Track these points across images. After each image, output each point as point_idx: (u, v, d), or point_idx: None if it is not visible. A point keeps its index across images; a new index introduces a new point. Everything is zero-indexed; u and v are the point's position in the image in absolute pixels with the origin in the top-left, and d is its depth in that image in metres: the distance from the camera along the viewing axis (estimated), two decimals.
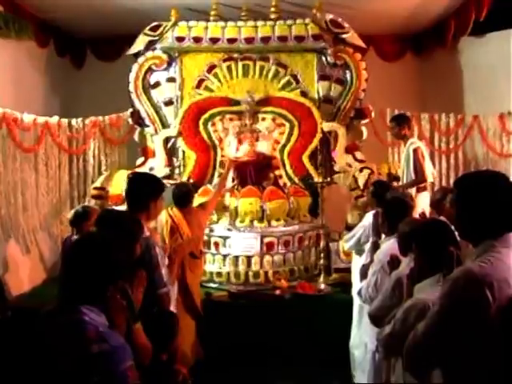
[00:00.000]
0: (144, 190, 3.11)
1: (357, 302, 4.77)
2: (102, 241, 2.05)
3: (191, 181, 6.30)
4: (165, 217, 4.70)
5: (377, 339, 2.87)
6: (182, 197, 4.91)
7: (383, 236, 3.86)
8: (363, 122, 6.74)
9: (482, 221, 1.97)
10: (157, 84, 6.75)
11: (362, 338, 4.29)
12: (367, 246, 4.66)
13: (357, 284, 4.70)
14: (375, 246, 3.90)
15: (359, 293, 3.68)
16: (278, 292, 5.48)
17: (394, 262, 3.21)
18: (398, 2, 6.91)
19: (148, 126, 6.73)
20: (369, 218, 4.72)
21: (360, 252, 4.77)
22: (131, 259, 2.60)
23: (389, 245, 3.53)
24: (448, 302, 1.89)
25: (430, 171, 5.83)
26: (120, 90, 6.68)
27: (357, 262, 4.86)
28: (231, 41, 6.57)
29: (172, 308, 3.75)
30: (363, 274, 3.81)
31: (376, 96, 6.77)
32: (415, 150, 5.76)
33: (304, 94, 6.60)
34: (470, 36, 7.19)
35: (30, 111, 5.99)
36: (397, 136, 6.13)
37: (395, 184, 5.84)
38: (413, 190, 5.57)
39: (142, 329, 2.43)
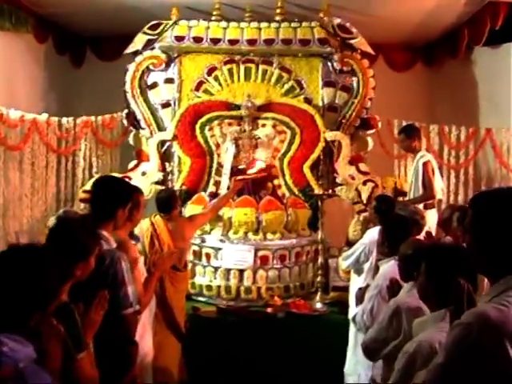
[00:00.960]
0: (110, 195, 2.78)
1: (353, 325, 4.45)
2: (29, 256, 1.71)
3: (184, 187, 5.98)
4: (146, 225, 4.38)
5: None
6: (164, 202, 4.57)
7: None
8: (369, 132, 6.37)
9: (503, 251, 1.58)
10: (154, 85, 6.41)
11: (356, 366, 3.95)
12: (367, 266, 4.35)
13: (353, 306, 4.36)
14: (378, 266, 3.54)
15: (354, 319, 3.34)
16: (270, 310, 5.12)
17: (393, 287, 2.88)
18: (410, 8, 6.63)
19: (143, 129, 6.38)
20: (370, 235, 4.40)
21: (359, 271, 4.45)
22: (83, 276, 2.27)
23: (388, 267, 3.20)
24: (455, 354, 1.50)
25: (439, 187, 5.50)
26: (120, 90, 6.38)
27: (355, 282, 4.54)
28: (233, 42, 6.24)
29: (148, 327, 3.43)
30: (359, 299, 3.46)
31: (383, 106, 6.45)
32: (425, 164, 5.44)
33: (308, 100, 6.24)
34: (485, 46, 6.85)
35: (25, 107, 5.72)
36: (407, 149, 5.80)
37: (401, 199, 5.50)
38: (420, 207, 5.23)
39: (95, 355, 2.09)
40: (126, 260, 2.61)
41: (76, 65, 8.19)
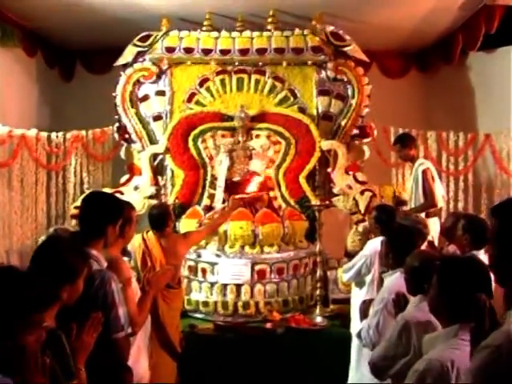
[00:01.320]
0: (99, 212, 2.63)
1: (356, 340, 4.30)
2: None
3: (178, 201, 5.85)
4: (138, 241, 4.21)
5: None
6: (157, 218, 4.41)
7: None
8: (365, 140, 6.25)
9: None
10: (145, 97, 6.30)
11: (360, 383, 3.79)
12: (368, 278, 4.21)
13: (356, 321, 4.22)
14: (382, 279, 3.39)
15: (359, 335, 3.19)
16: (269, 325, 4.96)
17: (400, 301, 2.74)
18: (404, 14, 6.53)
19: (135, 142, 6.26)
20: (371, 246, 4.26)
21: (360, 284, 4.30)
22: (70, 300, 2.12)
23: (394, 280, 3.05)
24: (484, 379, 1.36)
25: (440, 195, 5.35)
26: (111, 103, 6.27)
27: (356, 295, 4.40)
28: (224, 52, 6.15)
29: (143, 349, 3.27)
30: (364, 313, 3.31)
31: (378, 114, 6.33)
32: (425, 172, 5.31)
33: (302, 110, 6.13)
34: (480, 51, 6.76)
35: (15, 122, 5.58)
36: (404, 158, 5.68)
37: (403, 208, 5.37)
38: (421, 216, 5.10)
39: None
40: (116, 280, 2.46)
41: (66, 78, 8.06)
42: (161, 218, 4.41)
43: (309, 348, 4.85)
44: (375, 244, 4.21)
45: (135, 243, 4.21)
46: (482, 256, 3.59)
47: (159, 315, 3.83)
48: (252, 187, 5.49)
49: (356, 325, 4.21)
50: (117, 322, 2.40)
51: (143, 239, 4.28)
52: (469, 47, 6.82)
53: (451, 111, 7.41)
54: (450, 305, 2.06)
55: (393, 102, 7.39)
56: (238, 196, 5.30)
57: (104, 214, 2.63)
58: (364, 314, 3.27)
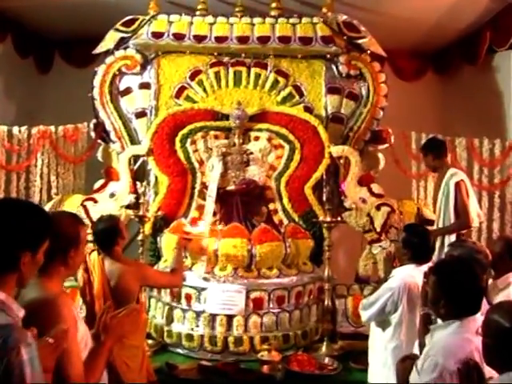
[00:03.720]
0: (8, 231, 1.69)
1: None
2: None
3: (160, 212, 5.04)
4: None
5: None
6: (104, 235, 3.49)
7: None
8: (380, 147, 5.54)
9: None
10: (127, 91, 5.61)
11: None
12: (395, 318, 3.35)
13: (375, 368, 3.39)
14: (426, 325, 2.47)
15: None
16: (266, 369, 4.06)
17: (470, 374, 1.84)
18: (424, 4, 5.89)
19: (114, 142, 5.55)
20: (398, 277, 3.39)
21: (384, 324, 3.41)
22: None
23: (453, 339, 2.14)
24: None
25: (475, 213, 4.52)
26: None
27: (378, 338, 3.52)
28: (220, 39, 5.46)
29: None
30: (403, 377, 2.38)
31: (390, 119, 5.59)
32: (458, 184, 4.50)
33: (308, 109, 5.47)
34: (509, 50, 6.00)
35: None
36: (434, 168, 4.85)
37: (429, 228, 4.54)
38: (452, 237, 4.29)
39: None
40: (30, 344, 1.54)
41: (42, 70, 7.43)
42: (108, 235, 3.48)
43: None
44: (404, 274, 3.37)
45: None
46: None
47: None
48: (200, 229, 4.54)
49: (377, 375, 3.35)
50: None
51: (84, 262, 3.30)
52: (497, 45, 6.10)
53: (473, 117, 6.63)
54: None
55: (406, 106, 6.66)
56: (185, 236, 4.33)
57: (15, 234, 1.69)
58: (404, 380, 2.35)
